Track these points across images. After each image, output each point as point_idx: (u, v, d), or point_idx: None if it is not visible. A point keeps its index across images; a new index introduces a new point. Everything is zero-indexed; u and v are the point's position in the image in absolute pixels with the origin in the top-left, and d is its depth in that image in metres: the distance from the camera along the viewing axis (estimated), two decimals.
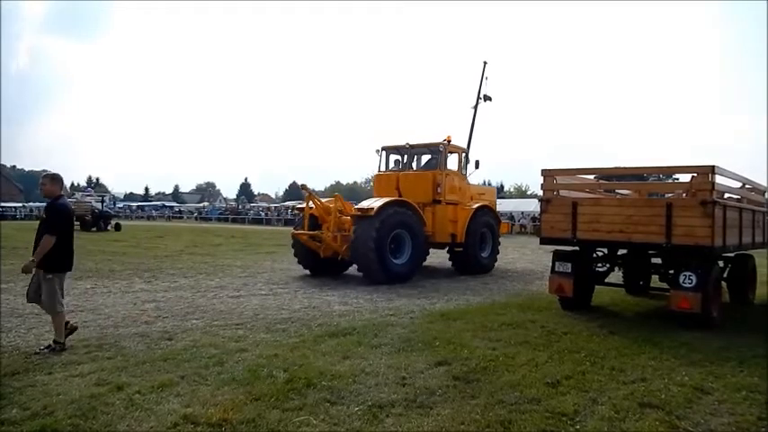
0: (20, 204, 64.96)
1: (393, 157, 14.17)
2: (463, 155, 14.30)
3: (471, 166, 14.55)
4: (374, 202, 11.55)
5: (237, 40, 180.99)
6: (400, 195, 12.78)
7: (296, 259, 12.77)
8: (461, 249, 13.44)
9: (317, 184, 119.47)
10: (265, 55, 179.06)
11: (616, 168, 9.79)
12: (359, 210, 11.51)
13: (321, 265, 12.35)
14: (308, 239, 12.07)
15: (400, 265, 11.58)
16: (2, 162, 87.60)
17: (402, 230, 11.71)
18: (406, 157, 14.02)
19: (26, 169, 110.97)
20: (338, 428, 3.76)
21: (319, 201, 12.49)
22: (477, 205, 13.87)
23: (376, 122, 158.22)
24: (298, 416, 3.92)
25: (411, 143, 13.79)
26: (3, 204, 62.82)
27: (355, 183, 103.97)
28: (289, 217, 55.68)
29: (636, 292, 9.80)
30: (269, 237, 29.14)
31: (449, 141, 13.45)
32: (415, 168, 13.91)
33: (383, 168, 14.18)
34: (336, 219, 11.96)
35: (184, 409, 3.97)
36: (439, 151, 13.27)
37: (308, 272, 12.56)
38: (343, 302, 8.73)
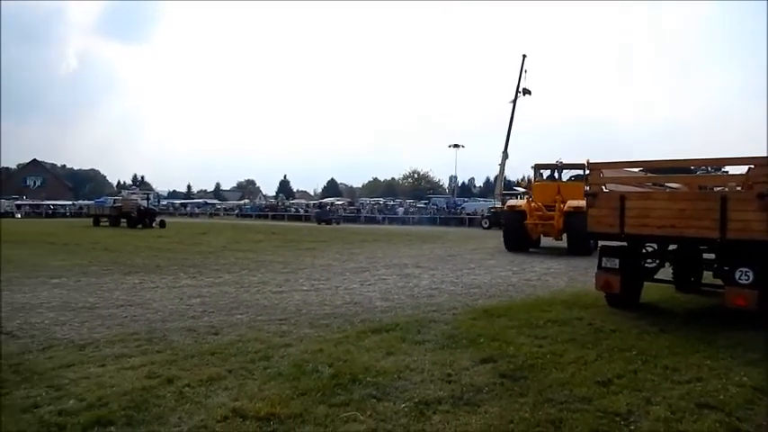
0: (69, 202, 67.35)
1: (540, 172, 20.52)
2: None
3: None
4: (580, 203, 14.92)
5: (279, 40, 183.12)
6: (563, 200, 17.71)
7: (503, 242, 18.84)
8: None
9: (355, 180, 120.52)
10: (304, 54, 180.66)
11: (663, 161, 9.43)
12: (573, 208, 16.47)
13: (522, 244, 18.26)
14: (535, 225, 18.16)
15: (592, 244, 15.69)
16: (41, 161, 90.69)
17: None
18: (549, 171, 20.34)
19: (75, 168, 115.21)
20: (385, 425, 3.73)
21: (537, 203, 18.37)
22: None
23: (412, 117, 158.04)
24: (344, 411, 3.91)
25: (561, 162, 19.73)
26: (53, 202, 65.38)
27: (393, 179, 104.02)
28: (336, 214, 56.14)
29: (686, 289, 9.47)
30: (308, 233, 29.44)
31: (588, 162, 18.51)
32: (563, 180, 19.87)
33: (537, 179, 20.51)
34: (557, 213, 17.72)
35: (233, 403, 4.02)
36: (585, 168, 18.05)
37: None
38: (384, 298, 8.72)
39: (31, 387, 4.33)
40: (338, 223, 46.02)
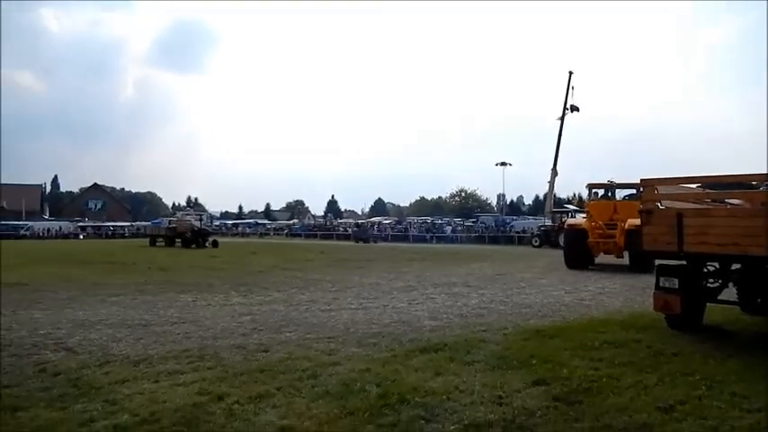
0: (128, 223, 70.12)
1: (595, 191, 20.95)
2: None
3: None
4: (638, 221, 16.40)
5: (326, 63, 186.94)
6: (619, 217, 18.26)
7: (564, 260, 19.30)
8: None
9: (402, 199, 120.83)
10: (352, 77, 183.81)
11: (723, 176, 8.99)
12: (635, 226, 15.08)
13: (582, 262, 18.61)
14: (596, 243, 18.62)
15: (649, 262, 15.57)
16: (101, 185, 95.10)
17: None
18: (602, 191, 20.81)
19: (133, 191, 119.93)
20: None
21: (597, 222, 18.88)
22: None
23: (459, 136, 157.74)
24: None
25: (613, 182, 20.37)
26: (113, 224, 68.21)
27: (440, 198, 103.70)
28: (375, 232, 56.58)
29: (753, 311, 8.93)
30: (356, 252, 29.58)
31: (642, 179, 19.89)
32: (617, 198, 20.22)
33: (591, 198, 20.95)
34: (618, 231, 18.04)
35: (281, 421, 4.02)
36: (640, 188, 18.85)
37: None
38: (432, 318, 8.61)
39: (88, 401, 4.46)
40: (375, 242, 47.14)
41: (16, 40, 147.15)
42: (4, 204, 68.45)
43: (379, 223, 64.80)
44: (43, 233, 58.16)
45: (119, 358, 5.89)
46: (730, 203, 9.04)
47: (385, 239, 51.86)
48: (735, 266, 8.01)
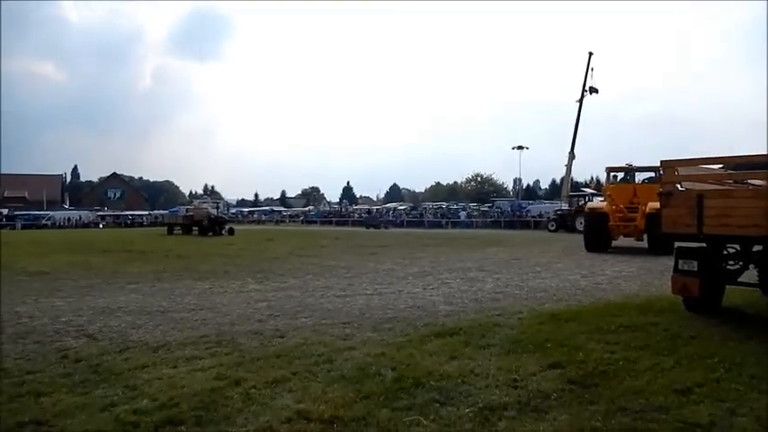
0: (146, 212, 70.91)
1: (614, 174, 21.38)
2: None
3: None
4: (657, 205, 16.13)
5: (340, 51, 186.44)
6: (639, 201, 18.53)
7: (584, 241, 19.50)
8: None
9: (417, 185, 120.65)
10: (364, 63, 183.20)
11: (745, 156, 8.81)
12: (656, 209, 15.35)
13: (602, 245, 18.76)
14: (617, 226, 18.85)
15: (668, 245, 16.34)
16: (120, 175, 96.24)
17: None
18: (621, 174, 21.30)
19: (151, 180, 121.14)
20: (449, 430, 3.66)
21: (617, 205, 19.03)
22: None
23: (475, 120, 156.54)
24: (408, 415, 3.86)
25: (631, 165, 20.92)
26: (132, 213, 69.04)
27: (455, 183, 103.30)
28: (389, 218, 56.70)
29: None
30: (370, 238, 29.63)
31: (662, 161, 20.74)
32: (636, 182, 20.59)
33: (610, 182, 21.36)
34: (639, 215, 18.27)
35: (297, 405, 4.05)
36: (659, 170, 18.18)
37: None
38: (447, 302, 8.61)
39: (108, 387, 4.53)
40: (386, 228, 47.71)
41: (36, 31, 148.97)
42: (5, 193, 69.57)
43: (394, 209, 64.80)
44: (64, 222, 59.09)
45: (138, 345, 5.98)
46: (752, 184, 8.87)
47: (400, 225, 51.99)
48: (756, 248, 7.90)
